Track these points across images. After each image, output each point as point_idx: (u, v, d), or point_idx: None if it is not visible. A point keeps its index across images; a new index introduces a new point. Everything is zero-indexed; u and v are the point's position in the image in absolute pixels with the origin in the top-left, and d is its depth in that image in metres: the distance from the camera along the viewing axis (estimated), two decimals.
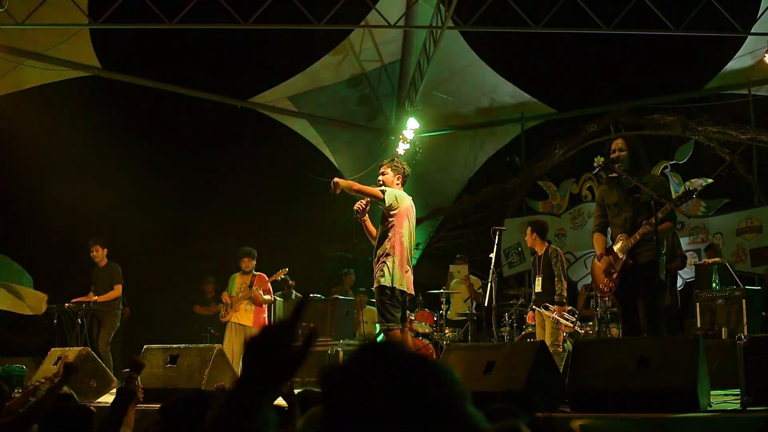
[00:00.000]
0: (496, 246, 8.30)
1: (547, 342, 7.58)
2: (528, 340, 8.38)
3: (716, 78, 11.29)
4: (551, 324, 8.01)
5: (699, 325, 8.28)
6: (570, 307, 8.47)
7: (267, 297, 9.47)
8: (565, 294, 8.10)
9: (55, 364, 7.36)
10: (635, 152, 6.01)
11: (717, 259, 9.28)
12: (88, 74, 10.81)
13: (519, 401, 3.82)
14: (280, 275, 9.44)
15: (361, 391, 1.29)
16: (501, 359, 5.29)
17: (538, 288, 8.24)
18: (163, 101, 11.44)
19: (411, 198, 6.67)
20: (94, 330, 9.18)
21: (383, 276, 6.39)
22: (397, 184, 6.62)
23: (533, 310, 8.30)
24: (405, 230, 6.42)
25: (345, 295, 11.19)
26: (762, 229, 10.60)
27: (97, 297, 9.19)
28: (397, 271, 6.36)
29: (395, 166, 6.70)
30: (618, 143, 6.03)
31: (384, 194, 6.40)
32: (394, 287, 6.37)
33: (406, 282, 6.45)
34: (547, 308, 8.04)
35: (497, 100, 12.61)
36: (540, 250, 8.28)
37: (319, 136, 12.90)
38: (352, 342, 10.40)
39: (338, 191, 6.30)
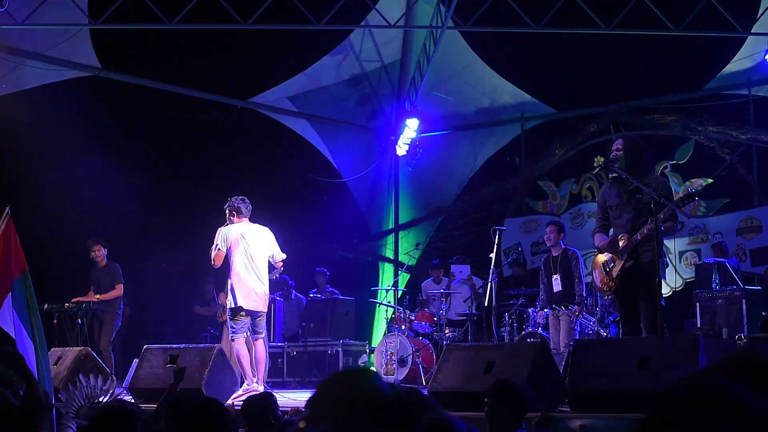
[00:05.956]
0: (496, 246, 8.31)
1: (563, 342, 7.68)
2: (528, 340, 8.38)
3: (716, 78, 11.28)
4: (567, 324, 8.06)
5: (699, 325, 8.29)
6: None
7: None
8: (584, 295, 8.22)
9: (55, 364, 7.37)
10: (636, 152, 5.97)
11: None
12: (88, 74, 10.81)
13: (509, 395, 3.82)
14: (275, 275, 9.44)
15: None
16: (501, 359, 5.30)
17: (557, 287, 8.36)
18: (163, 101, 11.42)
19: (246, 225, 7.45)
20: (95, 330, 9.17)
21: (229, 300, 7.32)
22: (235, 220, 7.45)
23: (554, 309, 8.30)
24: (238, 257, 7.27)
25: (321, 294, 11.20)
26: (762, 229, 10.58)
27: (98, 296, 9.19)
28: (235, 292, 7.22)
29: (227, 206, 7.52)
30: (617, 143, 6.04)
31: (216, 251, 7.31)
32: (236, 307, 7.22)
33: (248, 300, 7.21)
34: (567, 308, 8.10)
35: (497, 100, 12.59)
36: (557, 250, 8.40)
37: (319, 136, 12.89)
38: (352, 342, 10.41)
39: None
